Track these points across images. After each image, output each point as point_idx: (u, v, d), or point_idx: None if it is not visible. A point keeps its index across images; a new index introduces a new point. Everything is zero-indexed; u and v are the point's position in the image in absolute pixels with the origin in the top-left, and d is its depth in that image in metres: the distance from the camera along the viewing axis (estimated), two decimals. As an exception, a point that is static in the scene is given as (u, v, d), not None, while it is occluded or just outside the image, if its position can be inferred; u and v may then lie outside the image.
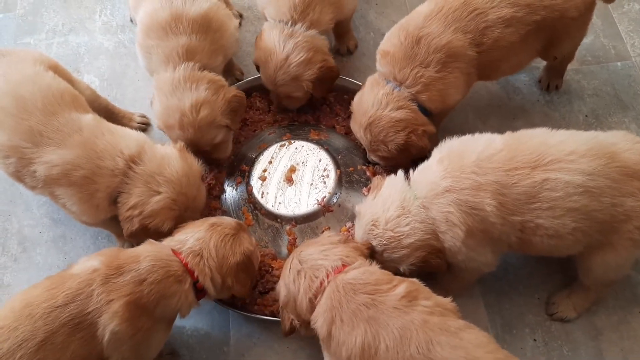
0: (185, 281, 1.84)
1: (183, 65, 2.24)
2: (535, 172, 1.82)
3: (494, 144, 1.92)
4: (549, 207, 1.82)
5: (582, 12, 2.22)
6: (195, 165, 2.15)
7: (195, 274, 1.86)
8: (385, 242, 1.92)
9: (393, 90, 2.20)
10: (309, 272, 1.78)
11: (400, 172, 2.04)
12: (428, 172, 1.97)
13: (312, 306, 1.76)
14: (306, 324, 1.80)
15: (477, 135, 2.00)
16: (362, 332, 1.61)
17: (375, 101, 2.21)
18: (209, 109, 2.24)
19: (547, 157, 1.84)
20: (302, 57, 2.34)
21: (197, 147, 2.29)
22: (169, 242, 1.92)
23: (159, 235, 1.99)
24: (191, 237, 1.91)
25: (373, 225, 1.95)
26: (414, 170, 2.03)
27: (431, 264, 1.93)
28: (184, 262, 1.85)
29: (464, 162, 1.89)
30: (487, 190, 1.83)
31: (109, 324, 1.69)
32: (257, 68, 2.54)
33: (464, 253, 1.91)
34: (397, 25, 2.28)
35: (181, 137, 2.26)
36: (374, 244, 1.95)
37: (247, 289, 2.02)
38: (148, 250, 1.85)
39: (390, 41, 2.26)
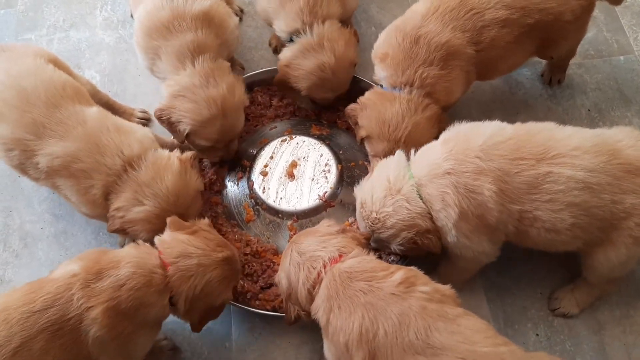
0: (166, 295, 1.78)
1: (201, 58, 2.22)
2: (540, 165, 1.83)
3: (503, 132, 1.92)
4: (549, 199, 1.82)
5: (578, 16, 2.21)
6: (193, 182, 2.10)
7: (172, 293, 1.79)
8: (371, 223, 1.96)
9: (412, 95, 2.17)
10: (306, 263, 1.79)
11: (399, 152, 2.05)
12: (431, 153, 1.98)
13: (311, 297, 1.77)
14: (308, 314, 1.81)
15: (486, 122, 2.01)
16: (359, 317, 1.61)
17: (402, 111, 2.16)
18: (239, 89, 2.29)
19: (553, 151, 1.84)
20: (342, 45, 2.37)
21: (230, 136, 2.32)
22: (166, 249, 1.82)
23: (140, 237, 1.98)
24: (196, 258, 1.80)
25: (361, 207, 1.99)
26: (415, 152, 2.04)
27: (419, 244, 1.93)
28: (167, 279, 1.78)
29: (469, 145, 1.90)
30: (488, 176, 1.84)
31: (89, 330, 1.66)
32: (282, 87, 2.50)
33: (454, 236, 1.91)
34: (392, 27, 2.27)
35: (224, 126, 2.24)
36: (364, 225, 1.97)
37: (201, 327, 1.96)
38: (131, 255, 1.78)
39: (388, 43, 2.24)
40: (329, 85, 2.41)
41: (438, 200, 1.88)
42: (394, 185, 1.94)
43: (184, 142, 2.31)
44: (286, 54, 2.42)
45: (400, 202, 1.91)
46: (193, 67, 2.22)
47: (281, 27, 2.43)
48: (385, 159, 2.08)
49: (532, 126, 1.96)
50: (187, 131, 2.23)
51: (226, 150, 2.39)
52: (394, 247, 1.97)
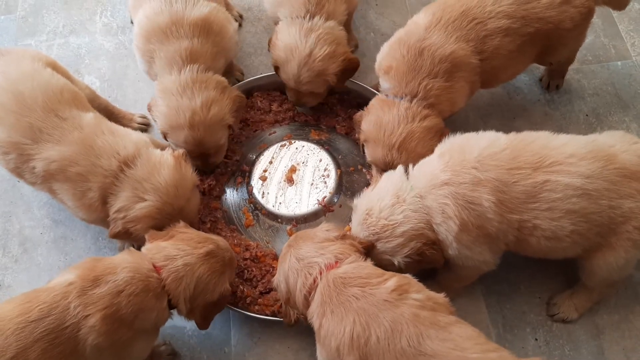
0: (164, 299, 1.79)
1: (188, 68, 2.24)
2: (537, 173, 1.84)
3: (498, 142, 1.93)
4: (547, 207, 1.83)
5: (577, 23, 2.22)
6: (189, 175, 2.11)
7: (170, 296, 1.80)
8: (378, 230, 1.92)
9: (412, 103, 2.18)
10: (304, 269, 1.80)
11: (400, 167, 2.05)
12: (428, 166, 1.99)
13: (307, 302, 1.79)
14: (305, 318, 1.82)
15: (481, 132, 2.01)
16: (351, 321, 1.62)
17: (399, 118, 2.16)
18: (219, 107, 2.26)
19: (549, 159, 1.85)
20: (325, 50, 2.32)
21: (202, 149, 2.29)
22: (154, 254, 1.83)
23: (143, 239, 1.97)
24: (181, 259, 1.82)
25: (367, 214, 1.96)
26: (413, 166, 2.04)
27: (427, 256, 1.92)
28: (163, 282, 1.79)
29: (465, 157, 1.90)
30: (486, 186, 1.84)
31: (87, 338, 1.65)
32: (276, 70, 2.50)
33: (455, 248, 1.91)
34: (395, 40, 2.27)
35: (188, 139, 2.24)
36: (367, 233, 1.95)
37: (208, 324, 1.97)
38: (127, 260, 1.79)
39: (391, 55, 2.24)
40: (290, 73, 2.40)
41: (438, 213, 1.89)
42: (399, 195, 1.94)
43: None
44: (282, 26, 2.42)
45: (407, 212, 1.91)
46: (178, 75, 2.24)
47: (285, 14, 2.43)
48: (389, 172, 2.07)
49: (527, 135, 1.97)
50: (160, 130, 2.31)
51: (203, 162, 2.37)
52: (398, 259, 1.93)
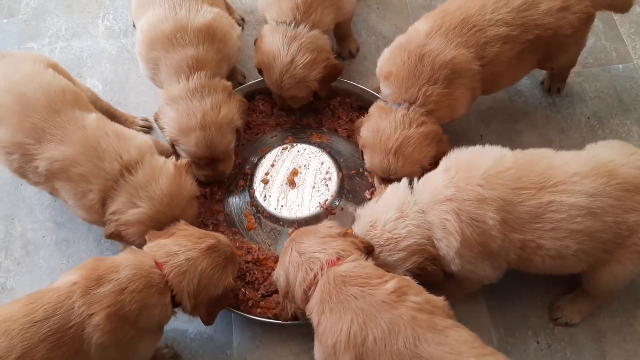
0: (167, 294, 1.80)
1: (196, 75, 2.25)
2: (541, 194, 1.84)
3: (504, 160, 1.93)
4: (552, 228, 1.84)
5: (576, 29, 2.23)
6: (188, 186, 2.11)
7: (173, 292, 1.82)
8: (382, 242, 1.94)
9: (409, 110, 2.19)
10: (305, 264, 1.81)
11: (405, 180, 2.05)
12: (432, 180, 1.99)
13: (306, 297, 1.79)
14: (304, 312, 1.83)
15: (487, 147, 2.02)
16: (348, 320, 1.63)
17: (396, 124, 2.17)
18: (228, 108, 2.29)
19: (553, 179, 1.86)
20: (307, 58, 2.36)
21: (212, 152, 2.29)
22: (156, 252, 1.86)
23: (136, 242, 1.99)
24: (183, 254, 1.84)
25: (371, 226, 1.97)
26: (418, 180, 2.04)
27: (427, 271, 1.93)
28: (165, 278, 1.81)
29: (471, 174, 1.90)
30: (491, 205, 1.84)
31: (92, 337, 1.66)
32: (260, 71, 2.54)
33: (458, 264, 1.92)
34: (396, 45, 2.28)
35: (200, 141, 2.24)
36: None
37: (213, 319, 1.99)
38: (129, 259, 1.80)
39: (392, 61, 2.25)
40: (272, 79, 2.43)
41: (439, 229, 1.89)
42: (403, 210, 1.95)
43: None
44: (266, 30, 2.44)
45: (411, 227, 1.92)
46: (187, 82, 2.25)
47: (272, 16, 2.45)
48: (394, 183, 2.08)
49: (532, 154, 1.97)
50: (168, 139, 2.31)
51: (212, 170, 2.37)
52: (399, 273, 1.93)
